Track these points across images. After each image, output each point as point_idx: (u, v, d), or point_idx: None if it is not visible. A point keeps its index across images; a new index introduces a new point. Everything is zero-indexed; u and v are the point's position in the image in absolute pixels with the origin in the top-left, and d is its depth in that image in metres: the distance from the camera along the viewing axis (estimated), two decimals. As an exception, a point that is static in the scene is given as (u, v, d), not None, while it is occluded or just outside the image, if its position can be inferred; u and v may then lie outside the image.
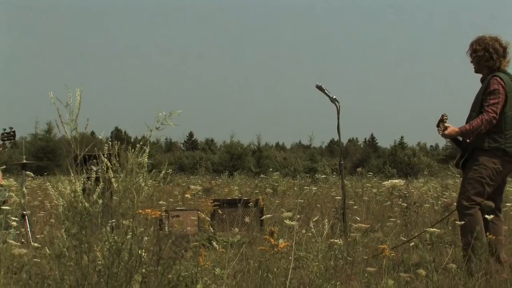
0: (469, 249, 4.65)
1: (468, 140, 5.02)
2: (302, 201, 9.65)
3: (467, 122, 5.11)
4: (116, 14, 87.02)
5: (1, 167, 5.89)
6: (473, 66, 5.22)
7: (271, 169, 20.46)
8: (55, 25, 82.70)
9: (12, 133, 5.75)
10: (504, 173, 5.06)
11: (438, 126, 5.12)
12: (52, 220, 7.00)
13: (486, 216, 4.85)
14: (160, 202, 8.10)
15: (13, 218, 5.14)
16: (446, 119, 5.10)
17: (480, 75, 5.23)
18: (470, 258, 4.52)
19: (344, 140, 55.33)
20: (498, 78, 4.98)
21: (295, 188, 13.65)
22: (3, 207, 5.52)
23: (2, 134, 5.71)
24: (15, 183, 5.31)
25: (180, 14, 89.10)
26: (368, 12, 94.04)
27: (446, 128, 5.04)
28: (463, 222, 4.81)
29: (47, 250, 3.88)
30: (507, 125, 4.97)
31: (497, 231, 4.98)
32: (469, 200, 4.92)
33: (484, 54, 5.08)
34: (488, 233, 4.72)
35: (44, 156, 32.93)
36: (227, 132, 74.78)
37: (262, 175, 17.91)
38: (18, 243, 4.44)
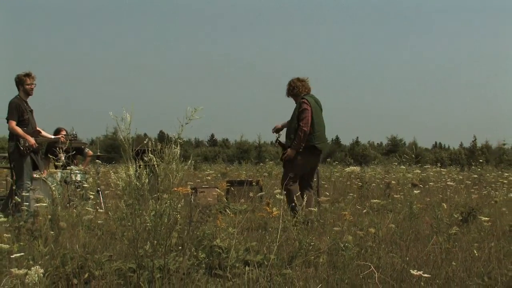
0: (291, 209, 4.94)
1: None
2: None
3: (287, 131, 5.45)
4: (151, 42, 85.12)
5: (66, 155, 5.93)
6: (292, 98, 5.57)
7: (267, 159, 20.40)
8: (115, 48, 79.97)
9: (75, 134, 6.00)
10: (312, 160, 5.36)
11: (276, 132, 5.58)
12: (119, 192, 6.95)
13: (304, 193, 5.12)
14: (190, 182, 8.06)
15: (91, 193, 5.13)
16: (280, 129, 5.58)
17: (294, 101, 5.55)
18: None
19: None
20: (305, 100, 5.35)
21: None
22: (85, 185, 5.50)
23: (70, 135, 5.96)
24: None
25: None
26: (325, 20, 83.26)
27: (279, 138, 5.58)
28: (285, 193, 5.10)
29: (113, 215, 3.87)
30: (314, 128, 5.28)
31: (310, 201, 5.20)
32: (290, 180, 5.23)
33: (294, 88, 5.51)
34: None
35: (112, 150, 32.86)
36: (238, 133, 74.25)
37: (261, 164, 17.82)
38: (94, 210, 4.42)
